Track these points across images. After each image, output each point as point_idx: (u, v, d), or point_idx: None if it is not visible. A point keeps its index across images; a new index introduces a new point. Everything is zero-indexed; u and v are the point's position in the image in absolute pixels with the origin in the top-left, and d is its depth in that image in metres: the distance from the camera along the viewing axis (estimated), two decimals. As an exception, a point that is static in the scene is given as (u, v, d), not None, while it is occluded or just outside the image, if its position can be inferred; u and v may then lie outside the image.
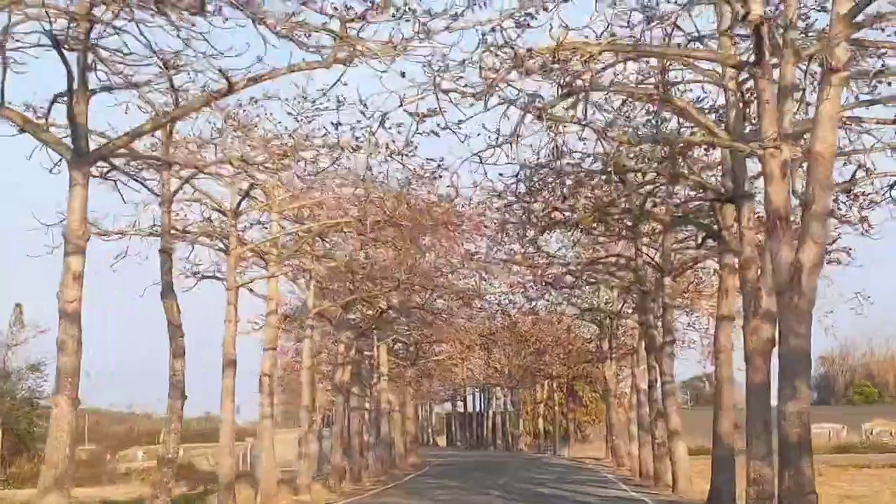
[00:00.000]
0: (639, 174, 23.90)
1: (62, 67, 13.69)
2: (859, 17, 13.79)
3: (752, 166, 20.27)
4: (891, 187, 21.41)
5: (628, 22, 16.87)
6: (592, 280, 36.98)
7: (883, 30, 16.33)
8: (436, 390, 76.10)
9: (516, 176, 21.73)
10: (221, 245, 24.48)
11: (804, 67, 17.34)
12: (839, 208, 22.60)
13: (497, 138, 16.53)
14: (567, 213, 24.39)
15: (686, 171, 22.02)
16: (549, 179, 22.69)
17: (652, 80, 19.83)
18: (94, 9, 13.72)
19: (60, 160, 15.09)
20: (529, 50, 13.99)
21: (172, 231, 22.64)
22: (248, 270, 28.06)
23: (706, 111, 20.15)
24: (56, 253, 15.96)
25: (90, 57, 14.59)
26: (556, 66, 14.40)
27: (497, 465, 48.05)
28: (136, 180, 17.84)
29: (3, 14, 13.42)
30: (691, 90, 21.11)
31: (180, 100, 16.31)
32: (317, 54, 13.89)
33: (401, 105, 15.29)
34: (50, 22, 13.30)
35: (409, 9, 13.59)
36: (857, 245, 25.22)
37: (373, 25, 13.74)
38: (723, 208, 21.19)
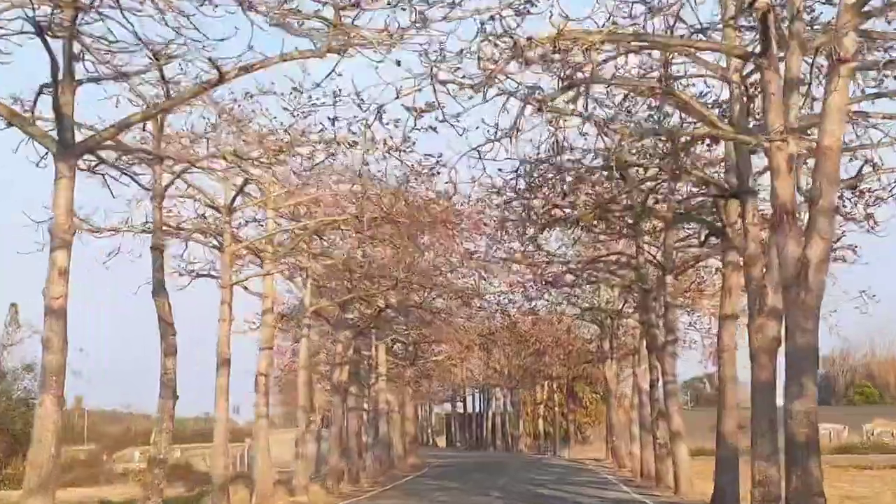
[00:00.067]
0: (640, 170, 23.55)
1: (48, 57, 13.27)
2: (867, 7, 13.48)
3: (756, 162, 20.00)
4: (898, 183, 21.10)
5: (630, 13, 16.56)
6: (593, 279, 36.68)
7: (890, 22, 15.98)
8: (435, 391, 75.83)
9: (516, 171, 21.41)
10: (216, 242, 24.14)
11: (810, 61, 17.08)
12: (844, 205, 22.25)
13: (496, 132, 16.15)
14: (567, 210, 24.06)
15: (689, 167, 21.65)
16: (550, 175, 22.34)
17: (654, 74, 19.51)
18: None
19: (47, 154, 14.70)
20: (530, 39, 13.60)
21: (165, 228, 22.30)
22: (245, 269, 27.81)
23: (710, 106, 19.79)
24: (47, 250, 15.55)
25: (77, 47, 14.19)
26: (556, 55, 14.00)
27: (496, 466, 47.78)
28: (126, 174, 17.44)
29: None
30: (694, 84, 20.81)
31: (171, 92, 15.92)
32: (310, 43, 13.49)
33: (397, 97, 14.92)
34: (33, 7, 12.88)
35: (406, -5, 13.19)
36: (861, 242, 24.88)
37: (368, 13, 13.35)
38: (726, 205, 20.86)
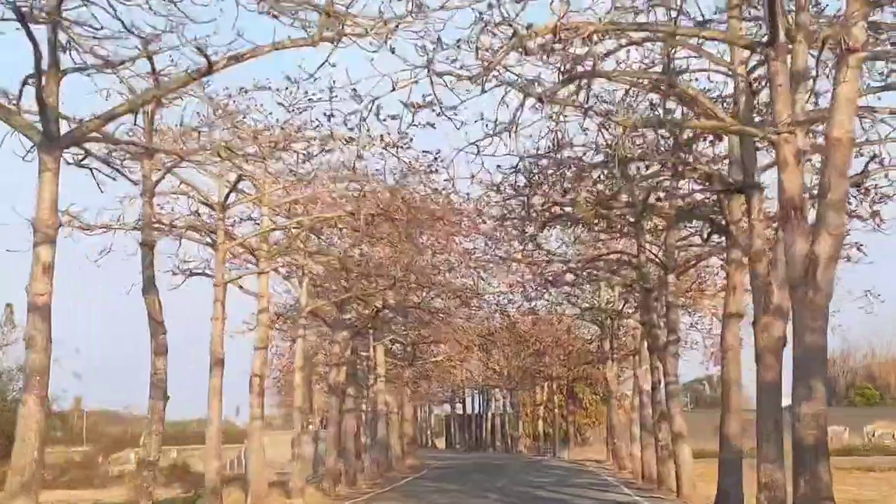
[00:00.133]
0: (642, 166, 23.17)
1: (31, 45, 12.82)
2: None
3: (761, 158, 19.61)
4: (905, 179, 20.71)
5: (633, 4, 16.15)
6: (594, 278, 36.33)
7: (897, 14, 15.64)
8: (434, 392, 75.50)
9: (515, 167, 21.01)
10: (209, 240, 23.74)
11: (815, 55, 16.68)
12: (849, 202, 21.82)
13: (495, 127, 15.75)
14: (568, 208, 23.68)
15: (692, 162, 21.26)
16: (550, 171, 21.96)
17: (656, 69, 19.13)
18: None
19: (33, 147, 14.26)
20: (529, 26, 13.17)
21: (158, 225, 21.94)
22: (241, 269, 27.44)
23: (713, 101, 19.39)
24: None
25: (64, 38, 13.77)
26: (557, 45, 13.56)
27: (496, 468, 47.44)
28: (114, 168, 17.02)
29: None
30: (697, 80, 20.44)
31: (162, 84, 15.46)
32: (303, 32, 13.05)
33: (393, 89, 14.53)
34: (13, -8, 12.46)
35: (401, -18, 12.78)
36: (866, 241, 24.47)
37: (361, 0, 12.93)
38: (730, 202, 20.45)
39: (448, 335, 43.27)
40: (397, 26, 12.93)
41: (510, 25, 13.33)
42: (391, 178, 23.86)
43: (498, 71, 14.53)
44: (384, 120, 16.08)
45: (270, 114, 20.51)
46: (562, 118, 18.46)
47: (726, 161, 21.54)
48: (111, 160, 17.23)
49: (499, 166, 21.67)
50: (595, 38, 13.99)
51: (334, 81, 15.00)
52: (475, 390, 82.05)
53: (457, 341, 45.79)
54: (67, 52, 13.96)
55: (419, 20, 12.90)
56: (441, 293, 35.44)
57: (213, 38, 13.60)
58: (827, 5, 17.74)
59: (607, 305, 42.58)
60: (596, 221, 25.78)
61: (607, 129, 21.07)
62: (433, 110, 15.12)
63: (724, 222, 21.14)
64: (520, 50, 13.61)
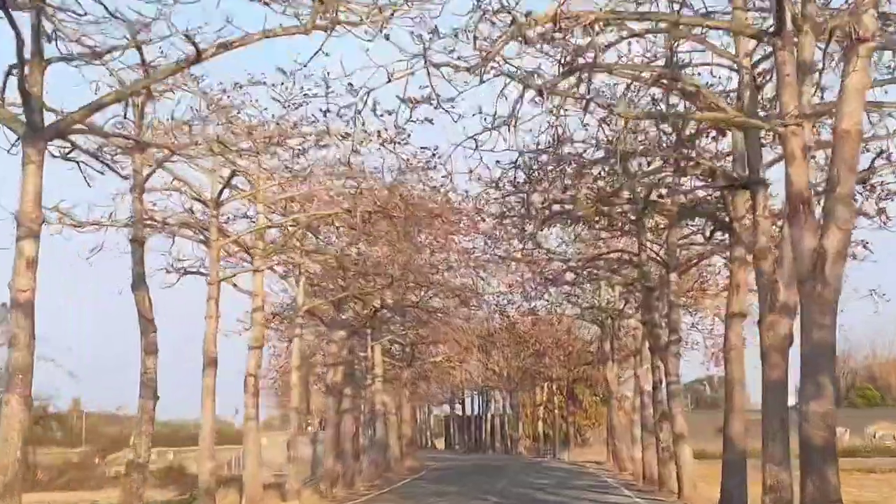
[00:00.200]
0: (644, 162, 22.78)
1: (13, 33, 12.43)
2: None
3: (765, 154, 19.23)
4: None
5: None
6: (594, 277, 35.96)
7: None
8: (433, 393, 75.16)
9: (514, 163, 20.61)
10: (202, 237, 23.34)
11: (822, 47, 16.30)
12: (855, 199, 21.42)
13: (493, 121, 15.35)
14: (568, 205, 23.28)
15: (695, 157, 20.87)
16: (550, 167, 21.56)
17: (659, 62, 18.72)
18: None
19: (18, 140, 13.86)
20: (529, 14, 12.77)
21: (151, 222, 21.57)
22: (236, 267, 27.09)
23: (716, 96, 19.00)
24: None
25: (49, 26, 13.37)
26: (557, 34, 13.16)
27: (495, 469, 47.11)
28: (103, 162, 16.60)
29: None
30: (700, 74, 20.04)
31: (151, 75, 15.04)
32: (296, 20, 12.67)
33: (389, 81, 14.13)
34: (-8, -22, 12.07)
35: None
36: (871, 239, 24.11)
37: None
38: (734, 199, 20.07)
39: (447, 335, 42.97)
40: (392, 14, 12.53)
41: (509, 13, 12.94)
42: (389, 176, 23.52)
43: (496, 62, 14.14)
44: (381, 115, 15.72)
45: (265, 109, 20.18)
46: (562, 112, 18.05)
47: (730, 157, 21.19)
48: (101, 154, 16.82)
49: (498, 162, 21.32)
50: (596, 27, 13.59)
51: (328, 73, 14.59)
52: (475, 391, 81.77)
53: (456, 342, 45.50)
54: (53, 41, 13.57)
55: (415, 7, 12.50)
56: (439, 292, 35.09)
57: (203, 29, 13.21)
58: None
59: (608, 305, 42.20)
60: (597, 219, 25.40)
61: (608, 125, 20.69)
62: (431, 104, 14.77)
63: (727, 219, 20.76)
64: (519, 39, 13.21)
